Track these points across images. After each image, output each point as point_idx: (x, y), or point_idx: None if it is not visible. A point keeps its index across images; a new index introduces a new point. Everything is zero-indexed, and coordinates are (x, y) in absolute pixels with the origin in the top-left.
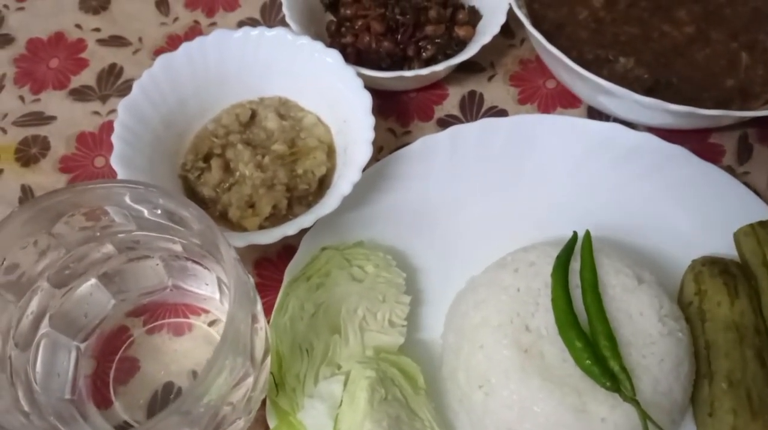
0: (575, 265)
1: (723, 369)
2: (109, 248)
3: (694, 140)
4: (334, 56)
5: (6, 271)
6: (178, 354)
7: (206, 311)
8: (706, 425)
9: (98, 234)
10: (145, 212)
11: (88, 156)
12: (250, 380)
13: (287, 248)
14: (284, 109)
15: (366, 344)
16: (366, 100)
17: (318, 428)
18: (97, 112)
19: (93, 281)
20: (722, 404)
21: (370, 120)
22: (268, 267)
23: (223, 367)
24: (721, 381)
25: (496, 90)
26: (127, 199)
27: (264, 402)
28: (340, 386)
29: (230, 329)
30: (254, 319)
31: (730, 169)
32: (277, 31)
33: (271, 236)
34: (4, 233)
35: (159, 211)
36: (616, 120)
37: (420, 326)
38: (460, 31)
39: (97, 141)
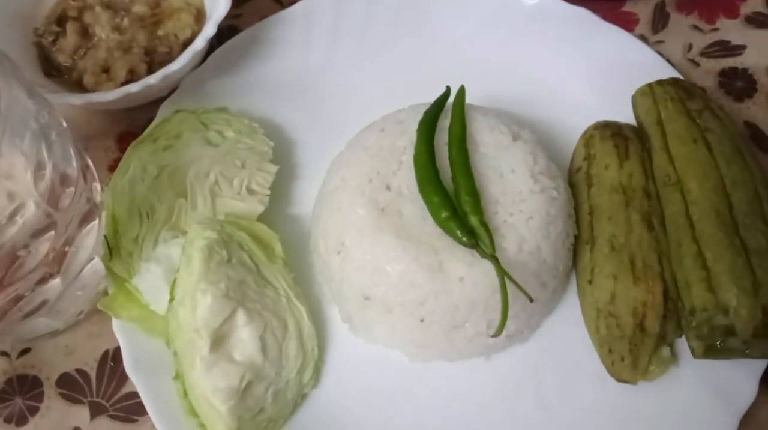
0: (446, 123)
1: (606, 233)
2: None
3: (606, 9)
4: None
5: None
6: None
7: None
8: (586, 293)
9: None
10: None
11: None
12: (51, 230)
13: None
14: None
15: (218, 210)
16: None
17: (154, 293)
18: None
19: None
20: (602, 270)
21: None
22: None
23: None
24: (603, 246)
25: None
26: None
27: None
28: (179, 249)
29: None
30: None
31: (642, 38)
32: None
33: (113, 94)
34: None
35: None
36: None
37: (293, 201)
38: None
39: None
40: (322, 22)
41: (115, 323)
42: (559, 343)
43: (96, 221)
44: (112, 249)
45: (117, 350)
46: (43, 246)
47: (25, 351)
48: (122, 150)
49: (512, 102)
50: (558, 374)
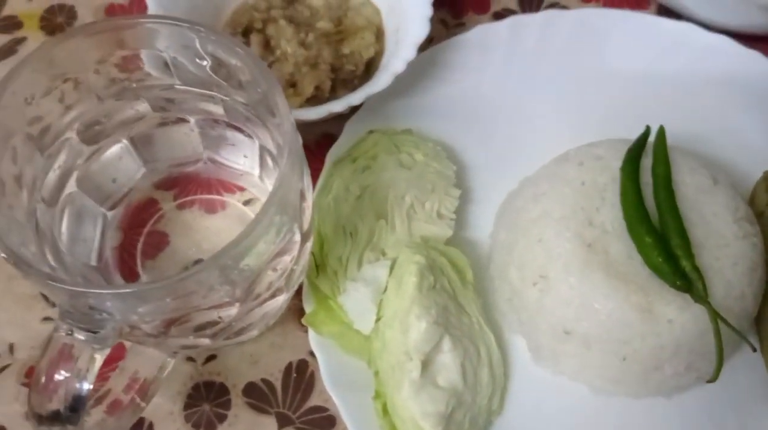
0: (646, 162)
1: None
2: (142, 106)
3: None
4: None
5: (34, 119)
6: (210, 232)
7: (241, 189)
8: None
9: (134, 86)
10: (187, 61)
11: None
12: (295, 251)
13: (327, 137)
14: None
15: (413, 233)
16: None
17: (359, 313)
18: None
19: (123, 142)
20: None
21: None
22: (306, 155)
23: (271, 224)
24: None
25: None
26: (167, 41)
27: (300, 291)
28: (386, 271)
29: (282, 185)
30: (302, 195)
31: None
32: None
33: (316, 112)
34: (29, 68)
35: (204, 62)
36: (689, 21)
37: (467, 224)
38: None
39: (126, 13)
40: (496, 49)
41: (313, 339)
42: (741, 385)
43: (312, 239)
44: (318, 266)
45: (300, 363)
46: (282, 264)
47: (210, 358)
48: None
49: (687, 138)
50: (738, 416)
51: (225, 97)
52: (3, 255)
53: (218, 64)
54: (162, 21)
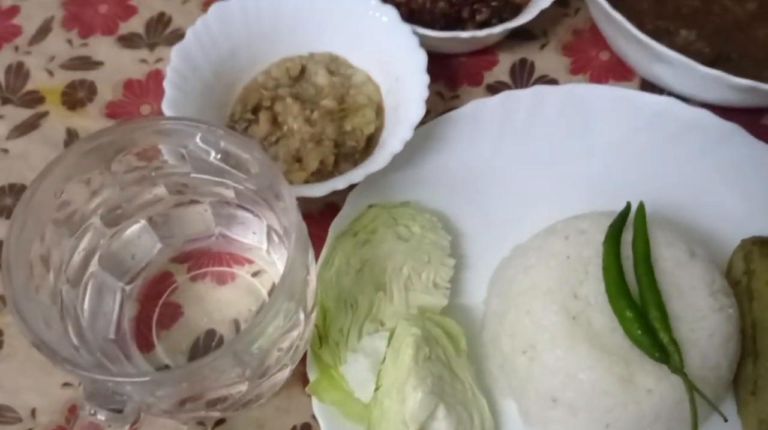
0: (627, 236)
1: None
2: (160, 190)
3: (747, 120)
4: (389, 14)
5: (61, 206)
6: (221, 303)
7: (250, 262)
8: (748, 403)
9: (152, 174)
10: (202, 153)
11: (134, 103)
12: (300, 328)
13: (330, 206)
14: (334, 65)
15: (410, 303)
16: (421, 58)
17: (359, 383)
18: (144, 60)
19: (142, 222)
20: (766, 383)
21: (424, 78)
22: (311, 224)
23: (279, 311)
24: (766, 360)
25: (547, 59)
26: (186, 138)
27: (303, 358)
28: (384, 342)
29: (290, 274)
30: (307, 270)
31: None
32: None
33: (320, 189)
34: (62, 165)
35: (217, 153)
36: (671, 95)
37: (461, 291)
38: None
39: (144, 88)
40: (489, 122)
41: (316, 406)
42: None
43: (315, 312)
44: (321, 338)
45: (304, 426)
46: (289, 341)
47: (220, 422)
48: None
49: (669, 208)
50: None
51: (235, 184)
52: (32, 343)
53: (228, 156)
54: (179, 122)
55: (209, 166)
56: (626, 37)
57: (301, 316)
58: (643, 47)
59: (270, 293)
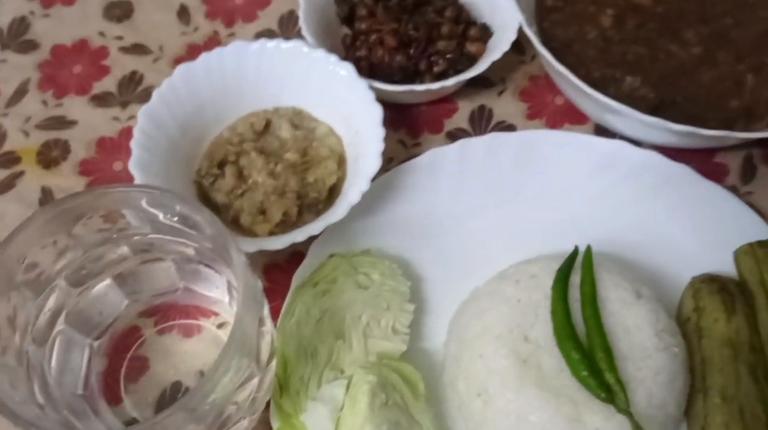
0: (576, 278)
1: (717, 384)
2: (124, 250)
3: (699, 159)
4: (347, 69)
5: (26, 269)
6: (187, 355)
7: (215, 314)
8: None
9: (115, 236)
10: (161, 216)
11: (106, 160)
12: (255, 381)
13: (296, 254)
14: (298, 119)
15: (369, 350)
16: (377, 112)
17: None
18: (116, 118)
19: (108, 281)
20: (715, 419)
21: (380, 132)
22: (276, 272)
23: (229, 367)
24: (714, 396)
25: (505, 105)
26: (144, 203)
27: (268, 404)
28: (343, 390)
29: (237, 331)
30: (261, 322)
31: (733, 189)
32: (294, 44)
33: (280, 242)
34: (26, 232)
35: (174, 216)
36: (623, 137)
37: (423, 335)
38: (472, 47)
39: (116, 145)
40: (447, 169)
41: None
42: None
43: (274, 362)
44: (282, 387)
45: None
46: (244, 394)
47: None
48: (269, 280)
49: (621, 248)
50: None
51: (194, 243)
52: None
53: (186, 218)
54: (140, 189)
55: (167, 227)
56: (573, 87)
57: (255, 368)
58: (589, 97)
59: None
